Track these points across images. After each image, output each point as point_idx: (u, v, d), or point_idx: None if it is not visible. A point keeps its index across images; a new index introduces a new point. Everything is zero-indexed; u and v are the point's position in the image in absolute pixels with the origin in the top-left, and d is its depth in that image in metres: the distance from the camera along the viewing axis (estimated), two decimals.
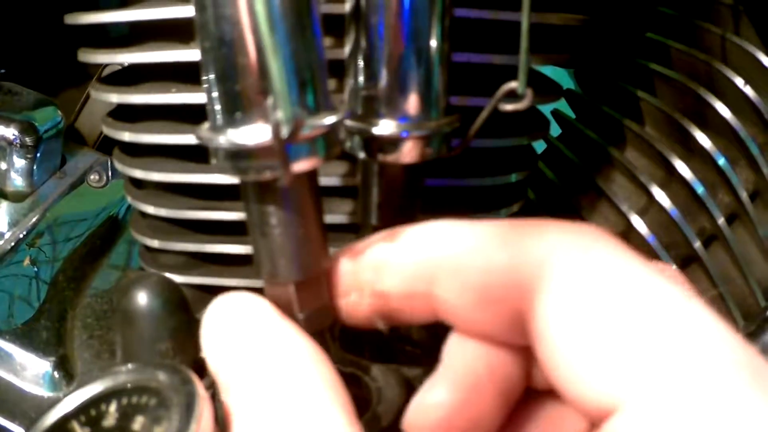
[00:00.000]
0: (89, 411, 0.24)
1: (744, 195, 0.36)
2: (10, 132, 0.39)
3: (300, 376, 0.17)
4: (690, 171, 0.36)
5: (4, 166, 0.40)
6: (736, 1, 0.37)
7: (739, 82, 0.35)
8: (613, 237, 0.17)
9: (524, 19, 0.24)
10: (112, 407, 0.24)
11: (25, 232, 0.39)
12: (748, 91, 0.35)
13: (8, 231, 0.39)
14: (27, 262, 0.38)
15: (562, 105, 0.45)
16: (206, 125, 0.22)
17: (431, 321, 0.20)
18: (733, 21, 0.37)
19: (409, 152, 0.25)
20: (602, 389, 0.15)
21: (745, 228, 0.37)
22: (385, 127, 0.25)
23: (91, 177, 0.43)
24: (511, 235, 0.18)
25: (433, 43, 0.24)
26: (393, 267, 0.20)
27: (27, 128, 0.40)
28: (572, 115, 0.45)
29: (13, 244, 0.39)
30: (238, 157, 0.21)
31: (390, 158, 0.25)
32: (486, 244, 0.18)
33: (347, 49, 0.26)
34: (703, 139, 0.36)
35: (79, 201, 0.44)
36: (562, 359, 0.15)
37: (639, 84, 0.40)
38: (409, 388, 0.23)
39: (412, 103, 0.25)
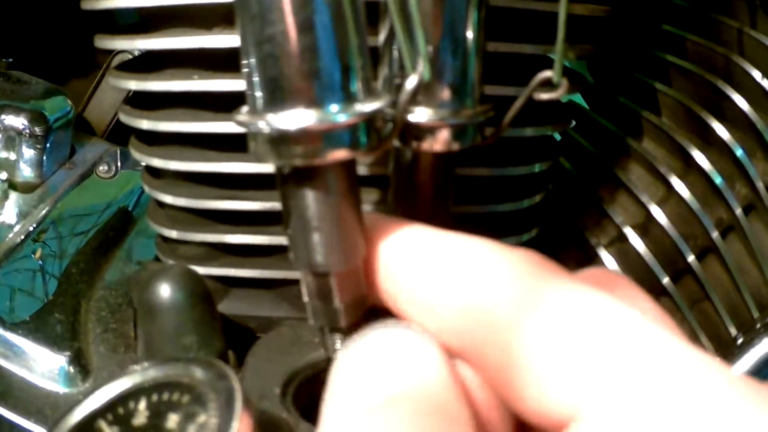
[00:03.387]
0: (117, 409, 0.23)
1: (761, 186, 0.36)
2: (19, 122, 0.38)
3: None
4: (708, 162, 0.36)
5: (13, 156, 0.39)
6: None
7: (757, 75, 0.36)
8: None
9: (562, 8, 0.24)
10: (142, 405, 0.23)
11: (34, 225, 0.38)
12: (766, 84, 0.36)
13: (17, 223, 0.38)
14: (38, 255, 0.37)
15: (575, 95, 0.46)
16: (244, 109, 0.22)
17: None
18: (749, 15, 0.37)
19: (443, 141, 0.25)
20: (563, 400, 0.15)
21: (761, 219, 0.37)
22: (420, 114, 0.24)
23: (100, 168, 0.43)
24: (525, 295, 0.18)
25: (470, 31, 0.24)
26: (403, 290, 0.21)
27: (37, 118, 0.39)
28: (585, 105, 0.45)
29: (22, 237, 0.38)
30: (280, 142, 0.20)
31: (424, 146, 0.25)
32: (504, 299, 0.18)
33: (382, 37, 0.26)
34: (721, 130, 0.36)
35: (84, 194, 0.43)
36: (530, 376, 0.16)
37: (655, 76, 0.40)
38: None
39: (448, 91, 0.25)
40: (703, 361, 0.15)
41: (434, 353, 0.18)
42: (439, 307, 0.19)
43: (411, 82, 0.22)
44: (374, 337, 0.19)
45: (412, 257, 0.21)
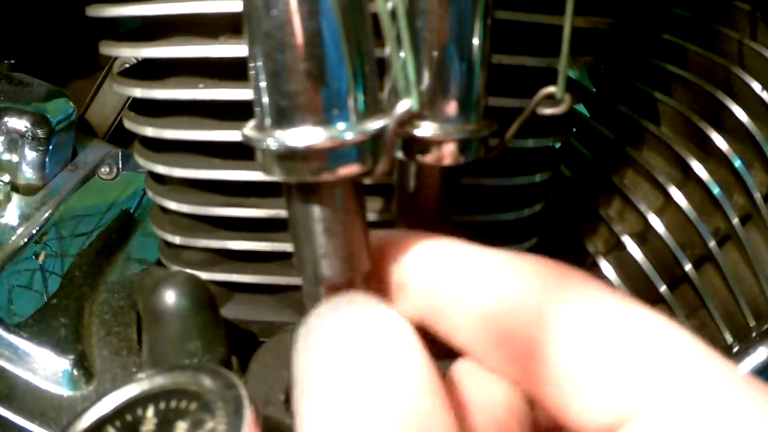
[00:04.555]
0: (124, 416, 0.23)
1: (758, 196, 0.37)
2: (22, 124, 0.38)
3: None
4: (706, 172, 0.37)
5: (15, 158, 0.39)
6: (753, 6, 0.38)
7: (756, 86, 0.36)
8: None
9: (566, 23, 0.24)
10: (150, 412, 0.23)
11: (37, 227, 0.38)
12: (765, 96, 0.36)
13: (20, 226, 0.39)
14: (41, 258, 0.38)
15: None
16: (251, 124, 0.22)
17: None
18: (750, 26, 0.38)
19: (448, 155, 0.25)
20: (617, 401, 0.16)
21: (758, 229, 0.38)
22: (425, 129, 0.25)
23: (102, 170, 0.43)
24: (542, 288, 0.18)
25: (476, 45, 0.24)
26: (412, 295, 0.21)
27: (39, 120, 0.39)
28: (586, 113, 0.46)
29: (25, 240, 0.38)
30: (287, 158, 0.20)
31: (429, 160, 0.25)
32: (522, 295, 0.18)
33: (388, 49, 0.26)
34: (720, 141, 0.37)
35: (86, 195, 0.43)
36: (575, 380, 0.16)
37: (655, 85, 0.41)
38: None
39: (454, 106, 0.25)
40: (735, 371, 0.16)
41: (403, 328, 0.18)
42: (469, 315, 0.19)
43: (402, 107, 0.22)
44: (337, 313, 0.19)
45: (440, 267, 0.21)
